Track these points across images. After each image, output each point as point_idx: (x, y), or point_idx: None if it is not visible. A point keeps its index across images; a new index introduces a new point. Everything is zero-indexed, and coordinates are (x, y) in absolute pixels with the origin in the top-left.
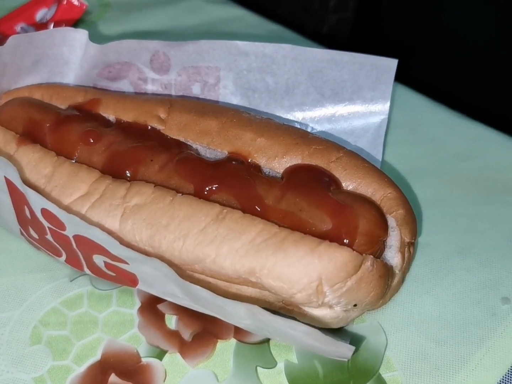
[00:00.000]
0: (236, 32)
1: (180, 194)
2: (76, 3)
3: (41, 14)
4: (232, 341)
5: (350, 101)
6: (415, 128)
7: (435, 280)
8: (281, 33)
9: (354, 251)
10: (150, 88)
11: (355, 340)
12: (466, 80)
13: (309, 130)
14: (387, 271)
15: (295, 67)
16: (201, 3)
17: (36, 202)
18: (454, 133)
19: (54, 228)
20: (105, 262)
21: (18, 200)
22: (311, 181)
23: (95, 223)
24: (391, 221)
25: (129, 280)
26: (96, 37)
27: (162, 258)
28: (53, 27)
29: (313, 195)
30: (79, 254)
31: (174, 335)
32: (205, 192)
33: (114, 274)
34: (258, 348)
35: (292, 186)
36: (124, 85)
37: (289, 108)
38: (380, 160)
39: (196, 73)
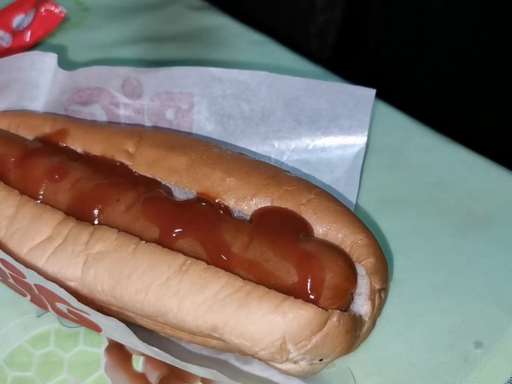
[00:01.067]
0: (218, 41)
1: (144, 242)
2: (55, 10)
3: (18, 20)
4: None
5: (327, 129)
6: (396, 151)
7: (408, 321)
8: (265, 44)
9: (320, 308)
10: (123, 112)
11: None
12: (454, 95)
13: (285, 158)
14: (354, 324)
15: (270, 94)
16: (184, 10)
17: None
18: (437, 159)
19: (15, 275)
20: (68, 309)
21: None
22: (279, 227)
23: (57, 270)
24: (361, 270)
25: (93, 326)
26: (76, 45)
27: (125, 308)
28: (30, 35)
29: (280, 244)
30: (42, 298)
31: (141, 378)
32: (171, 236)
33: (78, 319)
34: None
35: (260, 232)
36: (96, 110)
37: (265, 135)
38: (357, 191)
39: (169, 99)
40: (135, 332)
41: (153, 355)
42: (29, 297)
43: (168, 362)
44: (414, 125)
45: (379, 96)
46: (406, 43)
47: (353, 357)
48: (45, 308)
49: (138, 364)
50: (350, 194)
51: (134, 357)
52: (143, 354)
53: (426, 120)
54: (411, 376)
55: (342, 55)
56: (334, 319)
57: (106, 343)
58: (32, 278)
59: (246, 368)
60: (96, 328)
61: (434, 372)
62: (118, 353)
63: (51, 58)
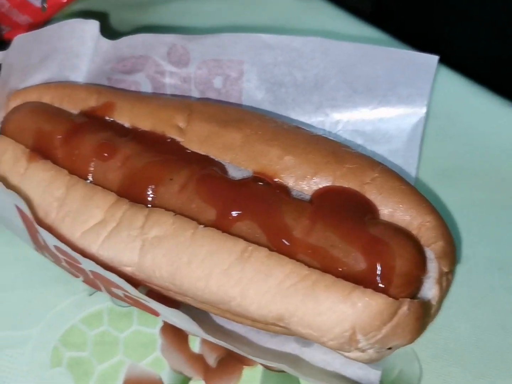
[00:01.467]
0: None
1: (202, 226)
2: None
3: None
4: (259, 368)
5: (384, 98)
6: (454, 118)
7: (474, 301)
8: (310, 1)
9: (390, 298)
10: (169, 81)
11: (388, 370)
12: None
13: (339, 128)
14: (424, 311)
15: (324, 61)
16: None
17: (49, 239)
18: (498, 125)
19: (69, 260)
20: (124, 294)
21: (31, 227)
22: (343, 209)
23: (113, 255)
24: (430, 253)
25: (151, 311)
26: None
27: (184, 294)
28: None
29: (346, 227)
30: (97, 281)
31: (198, 360)
32: (228, 219)
33: (134, 303)
34: (286, 377)
35: (323, 214)
36: (141, 78)
37: (318, 103)
38: (416, 163)
39: (217, 67)
40: (192, 317)
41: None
42: (82, 278)
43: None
44: (475, 89)
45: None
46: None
47: (418, 339)
48: (98, 289)
49: (195, 345)
50: (409, 166)
51: (190, 337)
52: None
53: (488, 84)
54: (478, 358)
55: (386, 10)
56: (405, 308)
57: (161, 323)
58: (88, 265)
59: (306, 350)
60: (154, 313)
61: (503, 354)
62: (174, 333)
63: (92, 26)
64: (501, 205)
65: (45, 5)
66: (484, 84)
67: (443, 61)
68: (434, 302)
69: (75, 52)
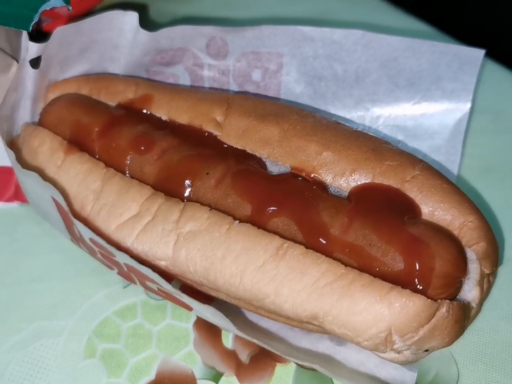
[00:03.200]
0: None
1: (237, 222)
2: None
3: None
4: (292, 366)
5: (427, 93)
6: (500, 113)
7: None
8: None
9: (428, 300)
10: (207, 74)
11: (424, 372)
12: None
13: (380, 123)
14: (463, 314)
15: (366, 54)
16: None
17: (85, 232)
18: None
19: (104, 253)
20: (158, 288)
21: (67, 219)
22: (382, 207)
23: (147, 249)
24: (471, 254)
25: (184, 305)
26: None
27: (218, 290)
28: None
29: (385, 226)
30: (131, 274)
31: (231, 356)
32: (264, 215)
33: (168, 297)
34: (319, 375)
35: (361, 212)
36: (179, 71)
37: (358, 98)
38: (459, 160)
39: (256, 59)
40: (225, 313)
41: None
42: (116, 270)
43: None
44: None
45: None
46: None
47: (456, 341)
48: (133, 282)
49: (228, 340)
50: (451, 163)
51: (223, 333)
52: None
53: None
54: None
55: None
56: (443, 310)
57: (194, 318)
58: (122, 258)
59: (340, 349)
60: (187, 307)
61: None
62: (207, 328)
63: (131, 17)
64: None
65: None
66: None
67: (491, 54)
68: (474, 304)
69: (114, 43)
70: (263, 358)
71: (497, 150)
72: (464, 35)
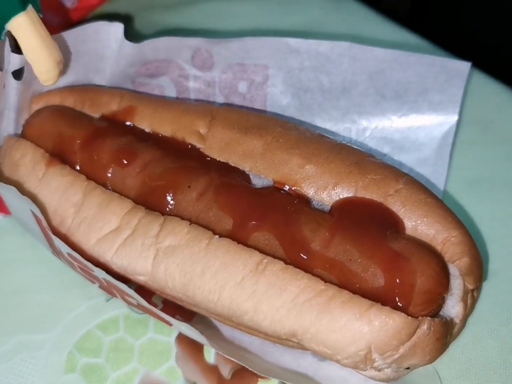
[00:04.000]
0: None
1: (217, 237)
2: None
3: None
4: (274, 382)
5: (414, 104)
6: (488, 125)
7: (501, 318)
8: (340, 1)
9: (409, 317)
10: (193, 85)
11: None
12: None
13: (366, 135)
14: (445, 331)
15: (353, 66)
16: None
17: (62, 247)
18: None
19: (83, 267)
20: (137, 303)
21: (47, 234)
22: (364, 222)
23: (126, 264)
24: (454, 270)
25: (164, 321)
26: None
27: (197, 306)
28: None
29: (366, 241)
30: (111, 288)
31: (213, 371)
32: (245, 229)
33: (148, 312)
34: None
35: (343, 227)
36: (165, 82)
37: (345, 109)
38: (446, 172)
39: (242, 71)
40: (205, 327)
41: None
42: (97, 284)
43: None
44: (509, 95)
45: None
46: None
47: (440, 357)
48: (114, 295)
49: (210, 355)
50: (438, 175)
51: (205, 348)
52: None
53: None
54: (504, 379)
55: (422, 13)
56: (424, 327)
57: (176, 332)
58: (100, 273)
59: (323, 364)
60: (167, 322)
61: None
62: (189, 343)
63: (116, 28)
64: None
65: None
66: None
67: (479, 66)
68: (457, 320)
69: (99, 54)
70: (245, 374)
71: (485, 162)
72: (455, 47)
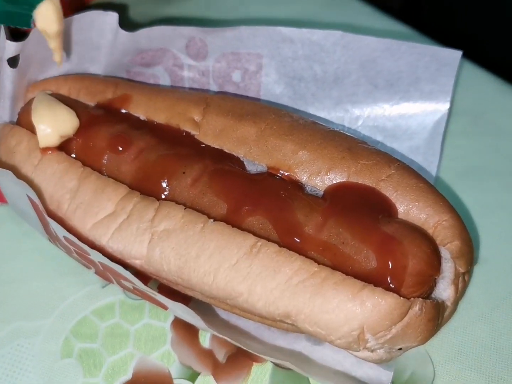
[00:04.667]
0: None
1: (212, 221)
2: None
3: None
4: (268, 365)
5: (406, 94)
6: (479, 116)
7: (492, 303)
8: None
9: (401, 298)
10: (187, 74)
11: (400, 371)
12: None
13: (359, 124)
14: (437, 312)
15: (345, 55)
16: None
17: (59, 230)
18: None
19: (79, 251)
20: (133, 287)
21: (42, 218)
22: (357, 206)
23: (122, 248)
24: (445, 253)
25: (159, 304)
26: None
27: (192, 289)
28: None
29: (359, 225)
30: (107, 273)
31: (208, 355)
32: (240, 214)
33: (143, 296)
34: (296, 375)
35: (336, 211)
36: (159, 71)
37: (338, 99)
38: (437, 161)
39: (236, 60)
40: (201, 312)
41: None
42: (93, 269)
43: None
44: (499, 86)
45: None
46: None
47: (432, 340)
48: (110, 281)
49: (205, 340)
50: (430, 164)
51: (200, 332)
52: None
53: None
54: (494, 361)
55: (415, 5)
56: (416, 308)
57: (172, 317)
58: (96, 256)
59: (317, 348)
60: (162, 306)
61: None
62: (185, 328)
63: (111, 18)
64: None
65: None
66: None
67: (471, 57)
68: (449, 303)
69: (94, 44)
70: (240, 358)
71: (476, 152)
72: (447, 39)
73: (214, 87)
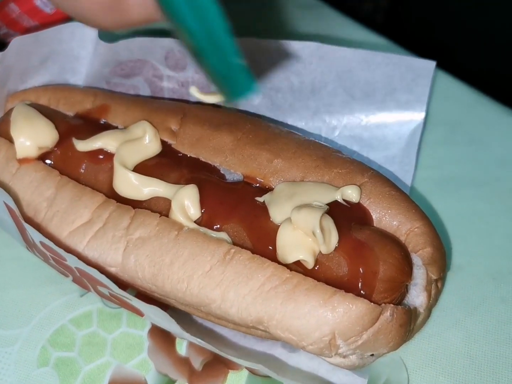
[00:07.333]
0: (265, 4)
1: (186, 228)
2: None
3: None
4: (244, 372)
5: (382, 104)
6: (455, 126)
7: (466, 310)
8: (316, 8)
9: (372, 303)
10: (166, 85)
11: (374, 378)
12: None
13: (336, 134)
14: (409, 318)
15: (322, 66)
16: None
17: (35, 235)
18: (499, 134)
19: (56, 257)
20: (109, 293)
21: (19, 225)
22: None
23: (97, 256)
24: (417, 260)
25: (135, 311)
26: None
27: (167, 296)
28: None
29: None
30: (84, 280)
31: (184, 363)
32: (215, 222)
33: (120, 303)
34: (271, 381)
35: None
36: (139, 82)
37: (315, 109)
38: (413, 170)
39: None
40: (177, 320)
41: (197, 343)
42: (71, 277)
43: (212, 350)
44: (475, 97)
45: (437, 65)
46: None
47: (406, 347)
48: (87, 289)
49: (182, 348)
50: (405, 174)
51: (177, 340)
52: None
53: (489, 92)
54: (467, 368)
55: (397, 20)
56: (387, 313)
57: (149, 326)
58: (72, 261)
59: (292, 355)
60: (139, 313)
61: (492, 365)
62: (162, 336)
63: (91, 29)
64: (498, 216)
65: None
66: (486, 92)
67: (447, 68)
68: (421, 310)
69: (75, 55)
70: (216, 365)
71: (453, 161)
72: (427, 51)
73: (193, 98)
